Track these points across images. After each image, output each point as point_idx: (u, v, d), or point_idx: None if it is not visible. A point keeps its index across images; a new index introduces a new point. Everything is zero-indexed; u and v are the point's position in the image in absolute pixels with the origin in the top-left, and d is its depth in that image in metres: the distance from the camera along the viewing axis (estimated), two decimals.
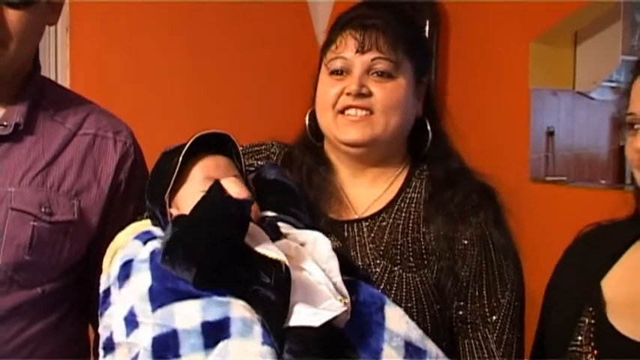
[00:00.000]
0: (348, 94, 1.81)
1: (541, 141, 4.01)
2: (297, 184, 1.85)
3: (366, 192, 1.88)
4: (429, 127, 1.89)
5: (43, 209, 1.80)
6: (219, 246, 1.56)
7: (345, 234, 1.83)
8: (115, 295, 1.64)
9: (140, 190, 1.89)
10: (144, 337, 1.54)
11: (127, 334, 1.58)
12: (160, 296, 1.56)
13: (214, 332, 1.51)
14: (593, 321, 1.71)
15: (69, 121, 1.90)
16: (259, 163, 1.93)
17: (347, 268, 1.67)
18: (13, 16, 1.76)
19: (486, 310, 1.79)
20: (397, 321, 1.63)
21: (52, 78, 3.71)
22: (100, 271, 1.76)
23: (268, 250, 1.59)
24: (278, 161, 1.94)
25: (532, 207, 3.77)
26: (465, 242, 1.80)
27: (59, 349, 1.85)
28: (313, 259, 1.64)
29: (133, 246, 1.69)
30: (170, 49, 3.94)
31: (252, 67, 4.04)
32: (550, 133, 4.04)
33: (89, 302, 1.96)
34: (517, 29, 3.87)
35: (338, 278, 1.62)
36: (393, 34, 1.81)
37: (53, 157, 1.85)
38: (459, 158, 1.92)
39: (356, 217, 1.85)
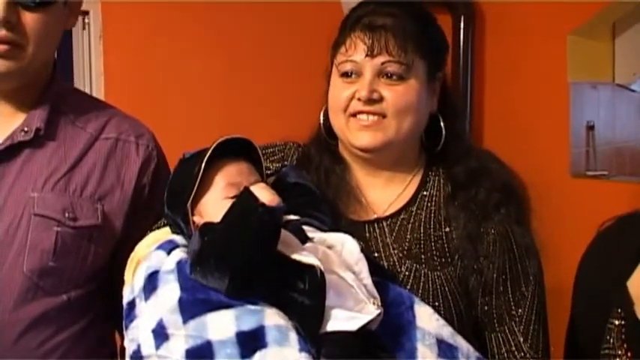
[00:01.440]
0: (359, 99, 1.77)
1: (581, 135, 3.96)
2: (316, 186, 1.82)
3: (383, 192, 1.86)
4: (442, 124, 1.85)
5: (66, 214, 1.78)
6: (252, 254, 1.53)
7: (367, 234, 1.80)
8: (141, 308, 1.61)
9: (163, 192, 1.83)
10: (176, 350, 1.51)
11: (157, 347, 1.54)
12: (191, 307, 1.53)
13: (250, 342, 1.49)
14: (622, 322, 1.66)
15: (90, 125, 1.88)
16: (274, 165, 1.90)
17: (373, 268, 1.65)
18: (29, 18, 1.74)
19: (512, 304, 1.77)
20: (427, 319, 1.62)
21: (87, 86, 3.80)
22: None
23: (301, 255, 1.56)
24: (293, 162, 1.91)
25: (573, 203, 3.72)
26: (489, 240, 1.77)
27: (87, 354, 1.83)
28: (343, 262, 1.62)
29: (156, 256, 1.66)
30: (203, 54, 3.92)
31: (286, 69, 4.00)
32: (590, 127, 3.99)
33: (115, 308, 1.89)
34: (554, 22, 3.82)
35: (368, 280, 1.60)
36: (403, 33, 1.77)
37: (75, 161, 1.83)
38: (478, 154, 1.88)
39: (375, 217, 1.83)
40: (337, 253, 1.64)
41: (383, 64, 1.75)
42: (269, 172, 1.86)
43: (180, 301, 1.54)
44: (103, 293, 1.91)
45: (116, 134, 1.89)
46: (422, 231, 1.79)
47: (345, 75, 1.79)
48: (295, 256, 1.56)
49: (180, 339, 1.51)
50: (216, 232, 1.58)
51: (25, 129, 1.80)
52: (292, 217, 1.71)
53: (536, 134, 3.94)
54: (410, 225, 1.80)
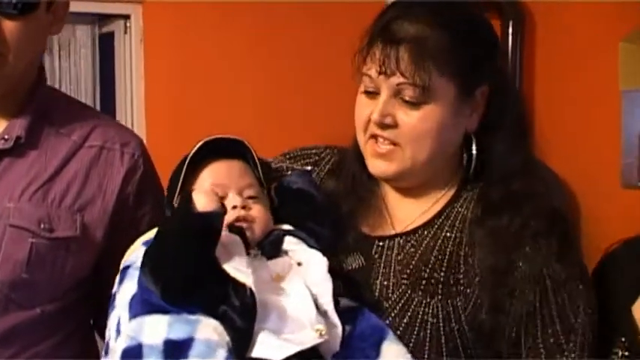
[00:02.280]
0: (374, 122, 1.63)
1: (633, 145, 3.81)
2: (323, 195, 1.74)
3: (410, 207, 1.72)
4: (474, 147, 1.67)
5: (42, 225, 1.74)
6: (185, 261, 1.49)
7: (373, 251, 1.69)
8: (115, 301, 1.60)
9: (153, 202, 1.84)
10: (119, 347, 1.50)
11: (115, 340, 1.53)
12: (136, 306, 1.51)
13: (175, 352, 1.44)
14: (626, 353, 1.57)
15: (75, 133, 1.83)
16: (307, 168, 1.84)
17: (355, 292, 1.60)
18: (9, 26, 1.70)
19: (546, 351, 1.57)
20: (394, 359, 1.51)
21: (127, 90, 3.86)
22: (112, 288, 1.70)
23: (238, 270, 1.49)
24: (326, 167, 1.83)
25: (624, 214, 3.57)
26: (517, 275, 1.57)
27: None
28: (305, 281, 1.54)
29: (138, 251, 1.62)
30: (245, 57, 3.91)
31: (330, 69, 3.95)
32: None
33: (101, 321, 1.86)
34: (605, 28, 3.71)
35: (329, 305, 1.51)
36: (422, 50, 1.57)
37: (56, 171, 1.78)
38: (529, 175, 1.68)
39: (392, 232, 1.70)
40: (303, 271, 1.57)
41: (398, 85, 1.58)
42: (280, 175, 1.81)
43: (132, 298, 1.52)
44: (87, 304, 1.87)
45: (101, 142, 1.84)
46: (436, 252, 1.64)
47: (367, 91, 1.65)
48: (231, 271, 1.49)
49: (123, 337, 1.49)
50: (155, 236, 1.55)
51: (6, 137, 1.76)
52: (284, 226, 1.66)
53: (586, 143, 3.82)
54: (424, 245, 1.66)
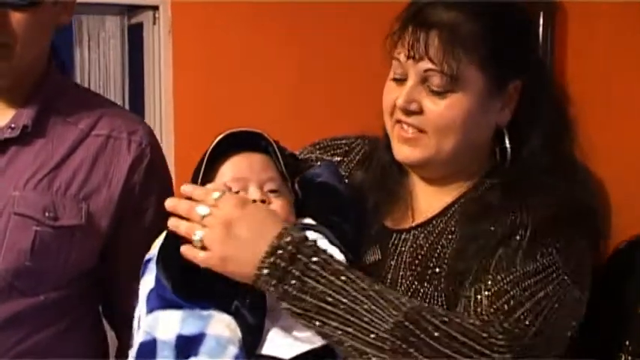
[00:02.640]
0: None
1: None
2: (348, 188, 1.72)
3: (433, 199, 1.67)
4: (507, 143, 1.61)
5: (47, 213, 1.74)
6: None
7: (390, 244, 1.66)
8: (139, 294, 1.61)
9: (160, 191, 1.82)
10: (136, 341, 1.52)
11: (137, 334, 1.56)
12: (152, 301, 1.52)
13: (187, 347, 1.45)
14: (630, 357, 1.53)
15: (82, 122, 1.83)
16: (336, 158, 1.81)
17: None
18: (17, 18, 1.70)
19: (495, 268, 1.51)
20: None
21: (156, 80, 3.86)
22: (122, 277, 1.75)
23: None
24: (356, 157, 1.80)
25: None
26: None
27: (66, 358, 1.78)
28: None
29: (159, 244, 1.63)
30: (275, 49, 3.90)
31: (362, 68, 3.91)
32: None
33: (111, 309, 1.93)
34: None
35: None
36: (453, 37, 1.52)
37: (62, 159, 1.79)
38: (552, 179, 1.58)
39: (410, 225, 1.67)
40: None
41: (426, 71, 1.54)
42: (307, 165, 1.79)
43: (149, 293, 1.53)
44: (93, 295, 1.88)
45: (108, 130, 1.84)
46: (443, 241, 1.60)
47: (395, 76, 1.60)
48: None
49: (141, 331, 1.51)
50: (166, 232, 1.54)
51: (12, 126, 1.77)
52: (307, 220, 1.63)
53: (620, 147, 3.73)
54: (434, 235, 1.62)
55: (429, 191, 1.68)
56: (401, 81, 1.58)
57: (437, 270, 1.56)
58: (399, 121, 1.60)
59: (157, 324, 1.48)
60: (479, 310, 1.45)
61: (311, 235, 1.55)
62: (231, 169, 1.63)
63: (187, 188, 1.52)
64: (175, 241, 1.50)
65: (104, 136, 1.83)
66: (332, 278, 1.42)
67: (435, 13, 1.54)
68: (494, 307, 1.45)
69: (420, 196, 1.69)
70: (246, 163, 1.63)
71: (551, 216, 1.50)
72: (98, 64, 3.88)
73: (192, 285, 1.48)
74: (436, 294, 1.55)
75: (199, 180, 1.63)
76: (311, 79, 3.94)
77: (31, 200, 1.74)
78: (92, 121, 1.84)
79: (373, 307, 1.40)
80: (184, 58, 3.80)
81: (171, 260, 1.50)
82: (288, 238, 1.44)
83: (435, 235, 1.61)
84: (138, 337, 1.51)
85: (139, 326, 1.54)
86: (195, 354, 1.43)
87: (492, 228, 1.51)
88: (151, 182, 1.86)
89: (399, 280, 1.60)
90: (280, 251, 1.42)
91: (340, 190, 1.69)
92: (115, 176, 1.82)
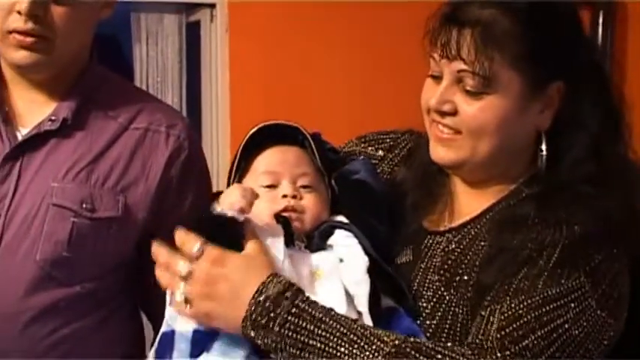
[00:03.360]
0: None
1: None
2: (384, 186, 1.68)
3: (473, 202, 1.61)
4: (544, 148, 1.54)
5: (84, 205, 1.76)
6: None
7: (423, 246, 1.62)
8: None
9: (197, 186, 1.84)
10: (161, 331, 1.53)
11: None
12: None
13: (201, 342, 1.46)
14: None
15: (122, 115, 1.85)
16: (379, 152, 1.78)
17: (399, 289, 1.54)
18: (58, 12, 1.73)
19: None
20: None
21: (213, 77, 3.91)
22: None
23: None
24: (401, 153, 1.77)
25: None
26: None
27: (99, 349, 1.80)
28: (343, 280, 1.51)
29: None
30: (333, 46, 3.89)
31: (415, 63, 3.90)
32: None
33: (148, 301, 1.92)
34: None
35: (364, 307, 1.48)
36: (487, 37, 1.46)
37: (100, 152, 1.81)
38: (599, 185, 1.50)
39: (445, 228, 1.63)
40: (343, 269, 1.53)
41: (459, 72, 1.48)
42: (374, 160, 1.77)
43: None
44: (130, 286, 1.88)
45: (146, 124, 1.85)
46: (474, 249, 1.54)
47: (432, 75, 1.56)
48: None
49: (164, 322, 1.52)
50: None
51: (52, 118, 1.79)
52: (339, 217, 1.61)
53: None
54: (467, 240, 1.57)
55: (470, 193, 1.62)
56: (438, 78, 1.54)
57: (465, 277, 1.52)
58: (434, 121, 1.55)
59: (177, 316, 1.49)
60: (486, 333, 1.41)
61: (342, 233, 1.55)
62: (264, 162, 1.62)
63: (159, 251, 1.52)
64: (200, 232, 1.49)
65: (143, 129, 1.85)
66: (311, 327, 1.40)
67: (470, 10, 1.48)
68: (503, 332, 1.40)
69: (461, 197, 1.64)
70: (280, 157, 1.62)
71: (585, 234, 1.43)
72: (156, 61, 3.91)
73: None
74: (461, 303, 1.50)
75: (233, 172, 1.63)
76: (372, 77, 3.90)
77: (69, 192, 1.76)
78: (132, 114, 1.85)
79: (355, 351, 1.38)
80: (241, 55, 3.83)
81: None
82: (265, 294, 1.42)
83: (467, 240, 1.56)
84: (162, 327, 1.53)
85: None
86: (208, 349, 1.44)
87: (521, 243, 1.45)
88: (188, 176, 1.85)
89: (426, 285, 1.57)
90: (259, 309, 1.41)
91: (375, 189, 1.66)
92: (152, 169, 1.83)
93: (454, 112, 1.51)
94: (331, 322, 1.40)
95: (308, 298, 1.42)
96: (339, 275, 1.51)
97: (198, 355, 1.45)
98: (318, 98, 3.84)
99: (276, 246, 1.50)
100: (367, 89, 3.92)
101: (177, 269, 1.45)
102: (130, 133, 1.84)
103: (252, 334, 1.41)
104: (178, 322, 1.48)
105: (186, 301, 1.44)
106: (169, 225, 1.65)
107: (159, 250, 1.49)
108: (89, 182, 1.78)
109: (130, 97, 1.90)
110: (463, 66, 1.47)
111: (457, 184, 1.64)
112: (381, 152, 1.78)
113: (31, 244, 1.73)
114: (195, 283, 1.44)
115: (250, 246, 1.47)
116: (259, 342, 1.41)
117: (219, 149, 3.87)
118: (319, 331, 1.39)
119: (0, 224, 1.73)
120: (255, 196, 1.52)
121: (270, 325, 1.40)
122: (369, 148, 1.79)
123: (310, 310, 1.41)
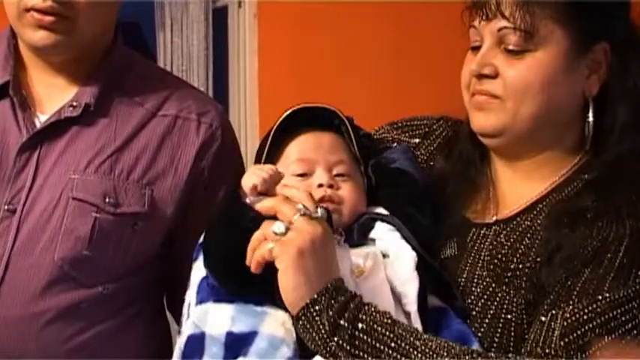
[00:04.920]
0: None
1: None
2: (425, 176, 1.62)
3: (520, 192, 1.55)
4: (590, 116, 1.49)
5: (107, 199, 1.68)
6: (227, 254, 1.43)
7: (468, 239, 1.55)
8: (190, 278, 1.53)
9: (230, 178, 1.73)
10: (185, 333, 1.45)
11: (185, 322, 1.48)
12: (203, 291, 1.45)
13: (236, 345, 1.37)
14: None
15: (149, 101, 1.76)
16: (413, 140, 1.72)
17: (445, 286, 1.48)
18: None
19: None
20: None
21: (241, 63, 3.84)
22: (186, 266, 1.63)
23: None
24: (437, 141, 1.71)
25: None
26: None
27: (123, 353, 1.73)
28: (389, 278, 1.44)
29: None
30: (363, 32, 3.82)
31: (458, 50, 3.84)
32: None
33: (175, 302, 1.82)
34: None
35: (413, 307, 1.41)
36: None
37: (125, 141, 1.72)
38: None
39: (492, 220, 1.55)
40: (388, 266, 1.46)
41: (500, 30, 1.46)
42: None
43: (201, 281, 1.45)
44: (156, 287, 1.81)
45: (176, 111, 1.76)
46: (527, 240, 1.47)
47: (472, 47, 1.53)
48: None
49: (190, 322, 1.44)
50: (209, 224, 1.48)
51: (74, 104, 1.71)
52: (379, 209, 1.54)
53: None
54: (518, 232, 1.50)
55: (515, 182, 1.56)
56: (478, 48, 1.50)
57: (518, 273, 1.45)
58: (474, 93, 1.51)
59: (207, 318, 1.41)
60: (548, 341, 1.35)
61: (383, 226, 1.49)
62: (297, 149, 1.55)
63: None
64: (225, 224, 1.45)
65: (172, 116, 1.76)
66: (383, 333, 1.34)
67: None
68: (566, 340, 1.33)
69: (504, 186, 1.58)
70: (314, 143, 1.55)
71: None
72: (181, 48, 3.83)
73: (240, 277, 1.40)
74: (515, 300, 1.43)
75: (262, 160, 1.55)
76: (404, 63, 3.82)
77: (90, 184, 1.68)
78: (159, 100, 1.77)
79: None
80: (270, 42, 3.76)
81: (219, 246, 1.43)
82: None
83: (518, 233, 1.49)
84: (186, 328, 1.44)
85: (188, 314, 1.47)
86: (245, 354, 1.36)
87: (582, 240, 1.39)
88: (221, 168, 1.77)
89: (475, 280, 1.50)
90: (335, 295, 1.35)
91: (416, 179, 1.59)
92: (181, 160, 1.75)
93: (495, 76, 1.47)
94: (396, 332, 1.34)
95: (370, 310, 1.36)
96: (384, 272, 1.44)
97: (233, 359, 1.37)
98: (349, 85, 3.76)
99: None
100: (399, 75, 3.87)
101: (274, 226, 1.37)
102: (157, 120, 1.75)
103: (318, 310, 1.34)
104: (209, 323, 1.40)
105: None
106: (199, 222, 1.62)
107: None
108: (113, 174, 1.70)
109: (158, 82, 1.82)
110: (504, 23, 1.45)
111: (500, 171, 1.58)
112: (416, 139, 1.73)
113: (49, 241, 1.65)
114: (289, 249, 1.35)
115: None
116: (317, 320, 1.34)
117: (247, 142, 3.79)
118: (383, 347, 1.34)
119: (16, 219, 1.65)
120: (278, 174, 1.46)
121: (339, 314, 1.33)
122: (403, 135, 1.74)
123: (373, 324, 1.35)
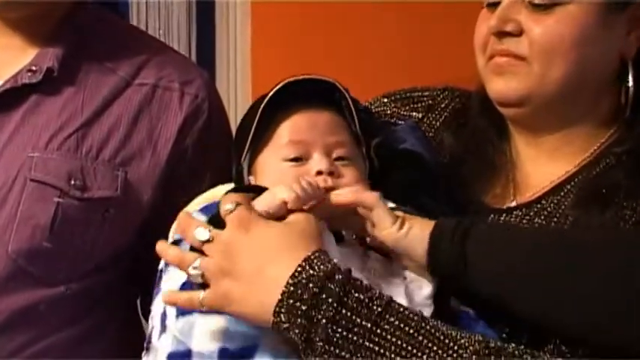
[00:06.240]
0: (493, 34, 1.45)
1: None
2: (438, 158, 1.56)
3: (544, 168, 1.49)
4: (630, 79, 1.43)
5: (72, 182, 1.59)
6: None
7: None
8: (161, 283, 1.46)
9: (217, 159, 1.68)
10: (163, 350, 1.36)
11: (159, 337, 1.40)
12: None
13: None
14: None
15: (123, 67, 1.67)
16: (415, 114, 1.66)
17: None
18: None
19: None
20: None
21: (230, 28, 3.65)
22: None
23: None
24: (443, 114, 1.65)
25: None
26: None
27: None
28: (401, 279, 1.37)
29: None
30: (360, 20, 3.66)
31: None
32: None
33: (151, 302, 1.71)
34: None
35: (428, 310, 1.34)
36: None
37: (95, 113, 1.63)
38: None
39: (512, 204, 1.49)
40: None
41: None
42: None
43: (181, 288, 1.35)
44: (128, 285, 1.72)
45: (155, 79, 1.67)
46: (551, 227, 1.44)
47: (488, 3, 1.47)
48: None
49: (169, 337, 1.35)
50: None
51: (33, 68, 1.61)
52: (388, 203, 1.46)
53: None
54: (542, 217, 1.44)
55: (539, 161, 1.50)
56: (495, 5, 1.44)
57: None
58: (492, 55, 1.45)
59: (193, 331, 1.32)
60: None
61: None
62: (289, 129, 1.45)
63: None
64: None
65: (150, 85, 1.67)
66: (367, 325, 1.22)
67: None
68: None
69: (527, 165, 1.52)
70: (309, 122, 1.45)
71: None
72: (158, 6, 3.60)
73: None
74: None
75: (249, 140, 1.46)
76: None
77: (53, 164, 1.59)
78: (135, 66, 1.68)
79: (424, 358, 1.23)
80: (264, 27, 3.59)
81: None
82: (307, 274, 1.24)
83: (543, 217, 1.44)
84: (164, 345, 1.36)
85: (162, 328, 1.38)
86: None
87: (612, 220, 1.35)
88: (207, 147, 1.70)
89: None
90: (299, 291, 1.23)
91: (428, 161, 1.54)
92: (161, 137, 1.66)
93: (519, 33, 1.42)
94: (392, 318, 1.23)
95: (362, 283, 1.26)
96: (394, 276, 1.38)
97: None
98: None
99: (326, 242, 1.34)
100: (403, 46, 3.71)
101: (193, 235, 1.30)
102: (133, 90, 1.66)
103: (286, 326, 1.24)
104: (195, 338, 1.32)
105: (203, 283, 1.29)
106: (182, 206, 1.51)
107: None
108: (79, 152, 1.61)
109: (134, 44, 1.73)
110: None
111: (522, 149, 1.53)
112: (419, 114, 1.66)
113: (2, 230, 1.57)
114: (214, 253, 1.28)
115: (295, 216, 1.31)
116: (295, 338, 1.25)
117: (237, 116, 3.61)
118: (377, 330, 1.23)
119: None
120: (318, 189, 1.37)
121: (313, 315, 1.22)
122: (403, 108, 1.68)
123: (366, 300, 1.24)
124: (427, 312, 1.32)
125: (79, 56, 1.65)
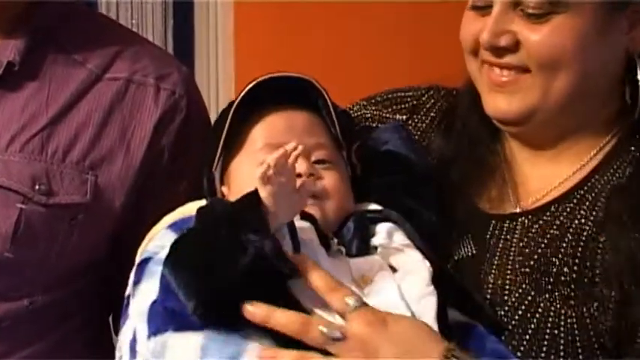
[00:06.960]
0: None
1: None
2: (426, 159, 1.54)
3: (545, 174, 1.48)
4: (639, 72, 1.42)
5: (37, 186, 1.55)
6: (228, 284, 1.27)
7: (488, 235, 1.47)
8: (130, 308, 1.44)
9: (197, 159, 1.63)
10: None
11: None
12: (158, 318, 1.32)
13: None
14: None
15: (93, 60, 1.63)
16: (398, 116, 1.64)
17: (465, 294, 1.39)
18: None
19: None
20: None
21: (210, 18, 3.59)
22: None
23: (323, 308, 1.28)
24: (429, 115, 1.63)
25: None
26: None
27: None
28: (401, 294, 1.33)
29: (161, 239, 1.43)
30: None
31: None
32: None
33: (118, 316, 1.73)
34: None
35: (433, 327, 1.31)
36: None
37: (61, 111, 1.59)
38: None
39: (515, 210, 1.47)
40: (399, 280, 1.35)
41: None
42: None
43: (151, 306, 1.33)
44: (98, 299, 1.69)
45: (128, 73, 1.64)
46: (570, 237, 1.40)
47: (474, 5, 1.46)
48: (312, 306, 1.28)
49: None
50: (189, 235, 1.32)
51: None
52: (372, 206, 1.46)
53: None
54: (556, 226, 1.41)
55: (537, 162, 1.50)
56: (483, 9, 1.42)
57: (563, 278, 1.37)
58: (487, 63, 1.44)
59: (165, 351, 1.29)
60: None
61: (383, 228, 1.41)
62: (265, 131, 1.44)
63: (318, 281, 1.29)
64: (208, 236, 1.30)
65: (123, 80, 1.64)
66: None
67: None
68: None
69: (524, 170, 1.51)
70: (286, 123, 1.44)
71: None
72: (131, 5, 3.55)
73: (225, 307, 1.27)
74: (563, 312, 1.36)
75: (220, 145, 1.44)
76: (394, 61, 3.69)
77: (14, 167, 1.56)
78: (107, 59, 1.65)
79: None
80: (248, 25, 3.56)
81: (192, 281, 1.28)
82: None
83: (556, 227, 1.42)
84: None
85: (131, 353, 1.36)
86: None
87: None
88: (185, 148, 1.66)
89: (507, 287, 1.42)
90: None
91: (415, 163, 1.52)
92: (135, 137, 1.63)
93: (514, 47, 1.39)
94: None
95: None
96: (393, 284, 1.34)
97: None
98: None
99: (312, 247, 1.33)
100: (387, 45, 3.67)
101: (326, 334, 1.26)
102: (104, 84, 1.63)
103: None
104: (169, 358, 1.29)
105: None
106: (157, 212, 1.51)
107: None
108: (44, 154, 1.58)
109: (105, 36, 1.69)
110: None
111: (516, 152, 1.52)
112: (401, 116, 1.64)
113: None
114: (351, 349, 1.25)
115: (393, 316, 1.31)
116: None
117: (206, 106, 3.58)
118: None
119: None
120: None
121: None
122: (385, 110, 1.66)
123: None
124: (432, 301, 1.31)
125: (43, 48, 1.61)
